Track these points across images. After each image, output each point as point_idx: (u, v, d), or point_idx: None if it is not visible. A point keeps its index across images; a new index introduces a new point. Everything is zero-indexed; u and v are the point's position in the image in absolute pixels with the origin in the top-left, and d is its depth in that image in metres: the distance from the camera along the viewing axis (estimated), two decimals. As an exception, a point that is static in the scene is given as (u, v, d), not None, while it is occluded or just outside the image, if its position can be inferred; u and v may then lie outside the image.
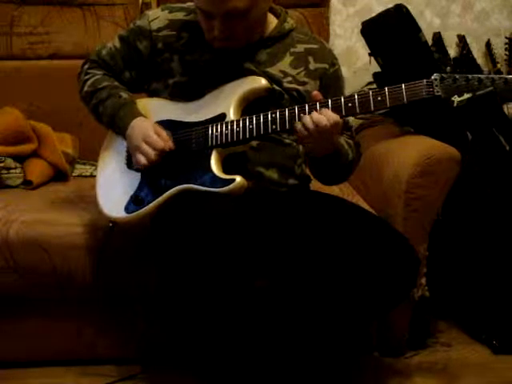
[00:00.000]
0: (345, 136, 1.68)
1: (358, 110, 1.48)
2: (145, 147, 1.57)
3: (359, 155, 1.72)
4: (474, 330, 2.10)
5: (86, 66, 1.76)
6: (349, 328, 1.59)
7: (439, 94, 1.43)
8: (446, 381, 1.86)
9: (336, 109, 1.48)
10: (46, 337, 1.83)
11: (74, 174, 2.24)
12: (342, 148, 1.62)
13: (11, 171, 2.08)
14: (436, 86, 1.43)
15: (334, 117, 1.46)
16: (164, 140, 1.57)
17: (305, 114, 1.50)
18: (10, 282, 1.74)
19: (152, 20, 1.69)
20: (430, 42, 2.30)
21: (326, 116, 1.46)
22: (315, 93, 1.51)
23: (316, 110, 1.48)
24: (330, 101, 1.49)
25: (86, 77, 1.73)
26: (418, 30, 2.10)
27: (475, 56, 2.54)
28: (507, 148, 2.14)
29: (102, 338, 1.84)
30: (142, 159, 1.57)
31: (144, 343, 1.81)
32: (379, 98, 1.46)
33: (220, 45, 1.58)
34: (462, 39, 2.59)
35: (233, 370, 1.52)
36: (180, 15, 1.69)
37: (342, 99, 1.48)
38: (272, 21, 1.67)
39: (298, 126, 1.48)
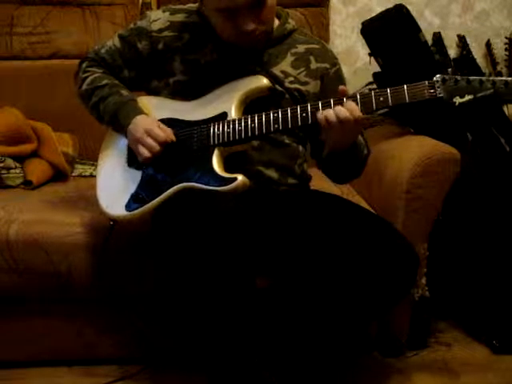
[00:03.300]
0: None
1: (359, 110, 1.48)
2: (147, 139, 1.57)
3: (369, 151, 1.72)
4: (474, 330, 2.10)
5: (85, 65, 1.76)
6: (349, 327, 1.59)
7: (441, 95, 1.43)
8: (445, 380, 1.86)
9: None
10: (46, 337, 1.83)
11: (73, 174, 2.25)
12: (360, 143, 1.62)
13: (11, 171, 2.08)
14: (438, 87, 1.43)
15: (356, 110, 1.45)
16: (166, 132, 1.58)
17: (307, 113, 1.50)
18: (10, 282, 1.74)
19: (153, 21, 1.69)
20: (430, 42, 2.30)
21: (348, 110, 1.45)
22: (342, 87, 1.51)
23: (318, 110, 1.48)
24: (331, 100, 1.49)
25: (85, 75, 1.73)
26: (418, 29, 2.10)
27: (475, 56, 2.54)
28: (507, 149, 2.14)
29: (103, 337, 1.84)
30: (145, 151, 1.57)
31: (144, 343, 1.81)
32: (381, 99, 1.46)
33: (249, 41, 1.56)
34: (461, 39, 2.59)
35: (233, 369, 1.52)
36: (181, 17, 1.69)
37: (345, 100, 1.48)
38: (274, 22, 1.68)
39: (320, 116, 1.47)
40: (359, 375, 1.81)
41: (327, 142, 1.56)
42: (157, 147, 1.57)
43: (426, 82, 1.44)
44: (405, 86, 1.45)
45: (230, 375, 1.51)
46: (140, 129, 1.59)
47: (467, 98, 1.42)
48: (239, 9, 1.50)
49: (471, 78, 1.43)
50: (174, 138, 1.58)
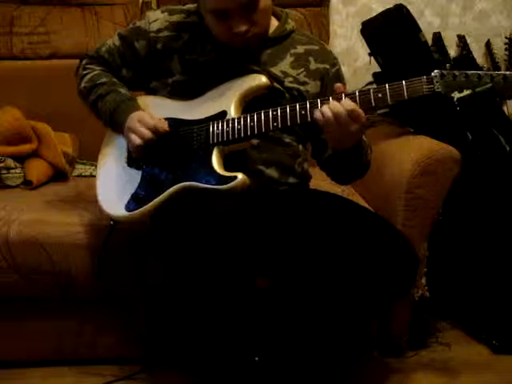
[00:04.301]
0: None
1: (359, 107, 1.48)
2: (138, 127, 1.57)
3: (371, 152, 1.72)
4: (474, 330, 2.10)
5: (85, 62, 1.76)
6: (349, 326, 1.59)
7: (439, 90, 1.43)
8: (445, 381, 1.86)
9: None
10: (46, 337, 1.83)
11: (73, 174, 2.25)
12: (365, 145, 1.62)
13: (11, 171, 2.08)
14: (436, 82, 1.43)
15: (350, 105, 1.45)
16: (158, 120, 1.58)
17: (305, 111, 1.50)
18: (10, 282, 1.74)
19: (152, 22, 1.69)
20: (429, 42, 2.30)
21: (342, 105, 1.45)
22: (338, 85, 1.51)
23: (316, 108, 1.48)
24: (331, 98, 1.49)
25: (85, 72, 1.73)
26: (418, 29, 2.10)
27: (475, 56, 2.54)
28: (507, 148, 2.14)
29: (103, 337, 1.84)
30: (136, 138, 1.57)
31: (144, 342, 1.81)
32: (380, 95, 1.46)
33: (241, 42, 1.56)
34: (461, 39, 2.59)
35: (233, 369, 1.52)
36: (180, 17, 1.69)
37: (344, 96, 1.48)
38: (273, 22, 1.68)
39: (317, 113, 1.47)
40: (359, 375, 1.81)
41: (329, 142, 1.56)
42: (148, 134, 1.56)
43: (424, 77, 1.44)
44: (403, 82, 1.45)
45: (229, 375, 1.51)
46: (132, 120, 1.59)
47: (466, 92, 1.42)
48: (231, 11, 1.50)
49: (469, 72, 1.42)
50: (166, 127, 1.58)
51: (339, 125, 1.45)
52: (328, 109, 1.45)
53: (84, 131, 2.29)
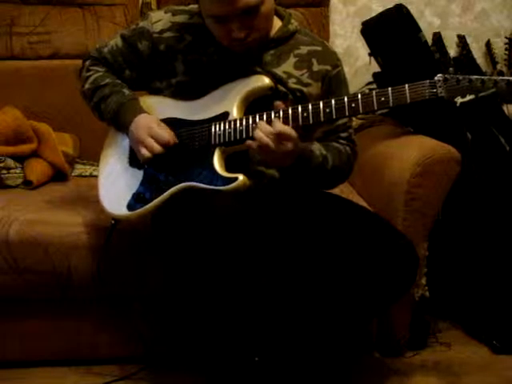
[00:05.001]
0: (333, 139, 1.67)
1: (361, 110, 1.49)
2: (149, 140, 1.57)
3: (351, 158, 1.70)
4: (474, 330, 2.10)
5: (88, 63, 1.76)
6: (349, 325, 1.59)
7: (442, 94, 1.43)
8: (445, 381, 1.86)
9: (340, 109, 1.49)
10: (46, 337, 1.83)
11: (73, 174, 2.24)
12: (312, 156, 1.60)
13: (11, 171, 2.08)
14: (439, 86, 1.42)
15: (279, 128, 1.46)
16: (168, 133, 1.58)
17: (308, 113, 1.50)
18: (10, 282, 1.74)
19: (155, 22, 1.68)
20: (430, 42, 2.30)
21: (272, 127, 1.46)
22: (278, 103, 1.52)
23: (323, 110, 1.49)
24: (333, 100, 1.49)
25: (88, 73, 1.73)
26: (418, 29, 2.10)
27: (475, 56, 2.54)
28: (507, 148, 2.14)
29: (102, 337, 1.84)
30: (147, 152, 1.57)
31: (144, 343, 1.81)
32: (382, 99, 1.46)
33: (241, 47, 1.57)
34: (462, 39, 2.59)
35: (233, 369, 1.52)
36: (183, 18, 1.69)
37: (346, 99, 1.48)
38: (276, 23, 1.67)
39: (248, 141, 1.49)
40: (359, 375, 1.81)
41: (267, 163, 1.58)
42: (158, 148, 1.57)
43: (427, 82, 1.44)
44: (406, 86, 1.45)
45: (229, 375, 1.51)
46: (141, 129, 1.59)
47: (469, 97, 1.42)
48: (230, 16, 1.50)
49: (473, 77, 1.42)
50: (176, 139, 1.58)
51: (271, 149, 1.46)
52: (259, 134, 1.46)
53: (84, 131, 2.29)
